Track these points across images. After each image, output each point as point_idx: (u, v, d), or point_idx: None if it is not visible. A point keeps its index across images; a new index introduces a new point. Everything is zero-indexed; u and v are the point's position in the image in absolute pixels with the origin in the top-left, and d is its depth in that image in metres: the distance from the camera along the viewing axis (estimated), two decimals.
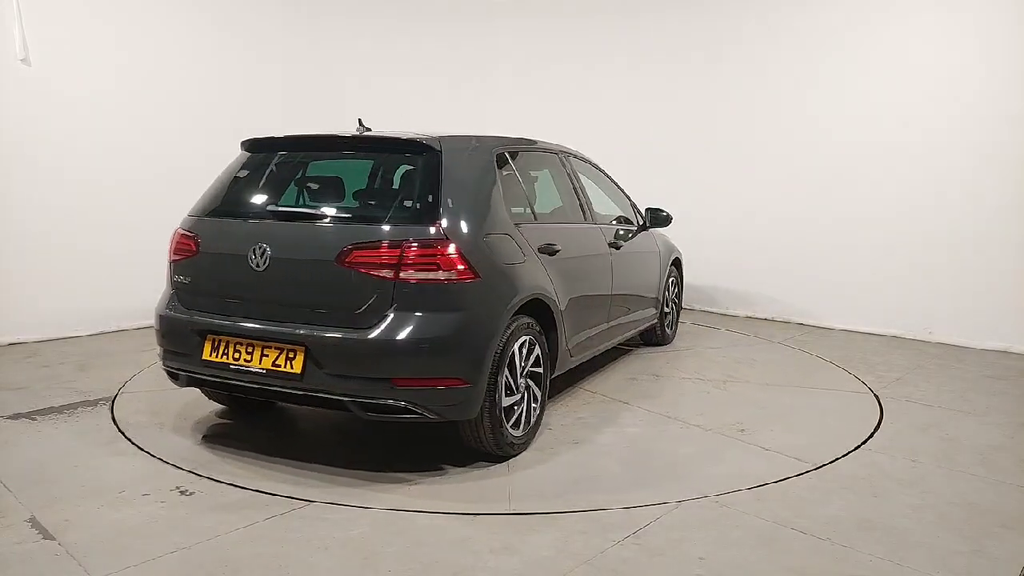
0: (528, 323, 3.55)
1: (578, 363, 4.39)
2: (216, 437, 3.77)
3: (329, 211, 3.46)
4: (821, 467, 3.48)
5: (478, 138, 3.78)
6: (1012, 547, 2.74)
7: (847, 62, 6.63)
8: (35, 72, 5.69)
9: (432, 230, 3.14)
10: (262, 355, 3.20)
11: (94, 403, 4.29)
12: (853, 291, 6.76)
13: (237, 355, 3.25)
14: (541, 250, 3.75)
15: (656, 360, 5.53)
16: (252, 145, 3.80)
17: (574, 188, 4.60)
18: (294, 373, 3.11)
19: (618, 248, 4.79)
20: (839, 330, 6.77)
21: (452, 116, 7.81)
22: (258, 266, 3.24)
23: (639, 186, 6.15)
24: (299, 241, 3.27)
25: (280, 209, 3.53)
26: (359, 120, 3.93)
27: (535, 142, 4.44)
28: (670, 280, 5.91)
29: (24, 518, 2.83)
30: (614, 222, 5.05)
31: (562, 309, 3.88)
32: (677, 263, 6.13)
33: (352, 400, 3.11)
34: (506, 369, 3.35)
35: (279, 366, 3.14)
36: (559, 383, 4.66)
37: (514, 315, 3.42)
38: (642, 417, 4.18)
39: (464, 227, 3.26)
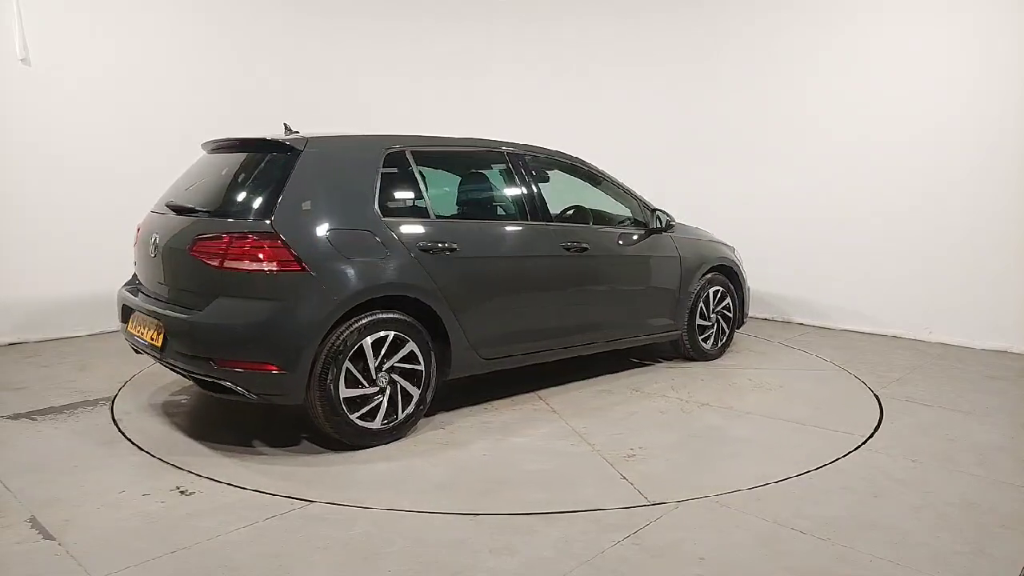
0: (392, 318, 3.62)
1: (512, 366, 4.35)
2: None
3: (202, 206, 3.76)
4: (821, 467, 3.48)
5: (368, 138, 3.97)
6: (1012, 547, 2.74)
7: (846, 62, 6.62)
8: (36, 72, 5.70)
9: (263, 224, 3.40)
10: (147, 330, 3.70)
11: (94, 403, 4.29)
12: (853, 291, 6.76)
13: (138, 328, 3.81)
14: (424, 248, 3.78)
15: (660, 374, 5.10)
16: (203, 146, 4.28)
17: (524, 188, 4.45)
18: (157, 347, 3.58)
19: (583, 251, 4.53)
20: (839, 330, 6.77)
21: (451, 116, 7.81)
22: (152, 254, 3.80)
23: (638, 187, 6.13)
24: (173, 232, 3.71)
25: (175, 204, 3.92)
26: (285, 124, 4.24)
27: (469, 141, 4.43)
28: (710, 290, 5.40)
29: (24, 518, 2.83)
30: (596, 224, 4.92)
31: (458, 308, 3.89)
32: (726, 270, 5.58)
33: (190, 375, 3.56)
34: (347, 361, 3.46)
35: (153, 340, 3.63)
36: (509, 384, 4.63)
37: (366, 309, 3.55)
38: (549, 431, 3.93)
39: (302, 223, 3.48)
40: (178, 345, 3.48)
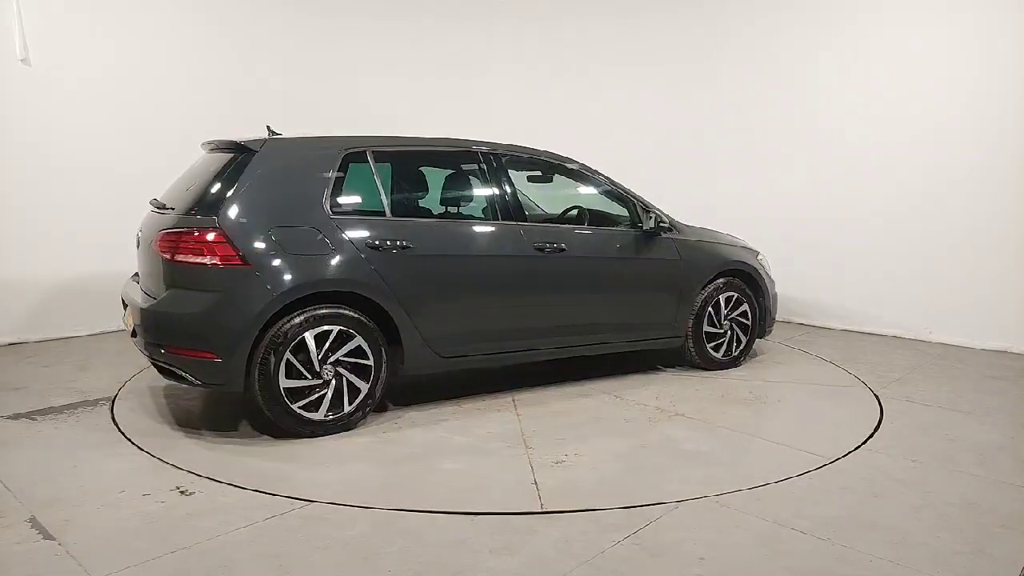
0: (338, 313, 3.72)
1: (477, 366, 4.38)
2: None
3: (173, 203, 3.93)
4: (821, 467, 3.48)
5: (327, 139, 4.07)
6: (1012, 547, 2.74)
7: (846, 63, 6.62)
8: (36, 72, 5.70)
9: (210, 220, 3.60)
10: (130, 317, 3.96)
11: (94, 403, 4.29)
12: (853, 291, 6.76)
13: (128, 316, 4.05)
14: (374, 246, 3.84)
15: (654, 381, 4.87)
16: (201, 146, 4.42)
17: (496, 188, 4.42)
18: (130, 333, 3.94)
19: (560, 251, 4.44)
20: (839, 330, 6.77)
21: (451, 117, 7.81)
22: (138, 246, 4.14)
23: (639, 187, 6.12)
24: (149, 227, 3.97)
25: (157, 201, 4.16)
26: (267, 127, 4.41)
27: (439, 141, 4.45)
28: (722, 296, 5.12)
29: (24, 518, 2.83)
30: (578, 224, 4.90)
31: (411, 306, 3.94)
32: (742, 275, 5.26)
33: (149, 359, 3.80)
34: (288, 353, 3.59)
35: (130, 326, 3.94)
36: (491, 382, 4.69)
37: (310, 304, 3.68)
38: (497, 432, 3.88)
39: (247, 219, 3.65)
40: (140, 331, 3.75)
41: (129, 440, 3.70)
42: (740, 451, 3.73)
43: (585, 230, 4.83)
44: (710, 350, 5.17)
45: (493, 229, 4.36)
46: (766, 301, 5.41)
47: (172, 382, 3.85)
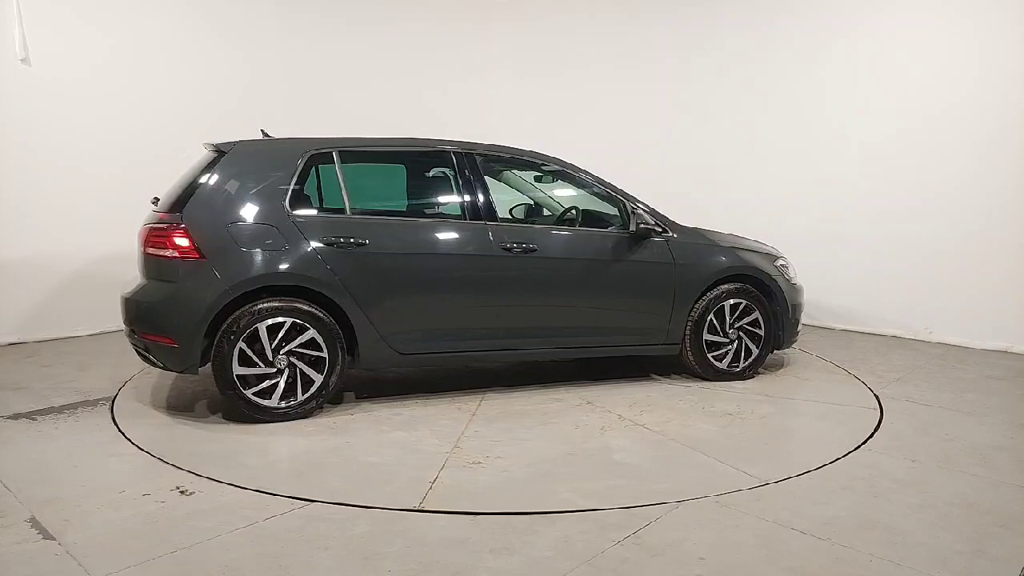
0: (291, 306, 3.89)
1: (439, 364, 4.43)
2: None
3: (161, 200, 4.22)
4: (821, 467, 3.48)
5: (294, 141, 4.25)
6: (1012, 547, 2.74)
7: (846, 63, 6.62)
8: (35, 72, 5.70)
9: (175, 217, 3.89)
10: None
11: (94, 403, 4.29)
12: (853, 291, 6.75)
13: None
14: (329, 243, 3.99)
15: (637, 389, 4.66)
16: None
17: (464, 187, 4.40)
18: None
19: (530, 252, 4.36)
20: (839, 330, 6.77)
21: (451, 117, 7.81)
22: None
23: (640, 187, 6.11)
24: (143, 223, 4.19)
25: (155, 198, 4.35)
26: (262, 130, 4.57)
27: (408, 141, 4.52)
28: (727, 302, 4.80)
29: (24, 518, 2.83)
30: (556, 225, 4.83)
31: (365, 301, 4.04)
32: (753, 282, 4.90)
33: (130, 341, 4.12)
34: (241, 342, 3.80)
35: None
36: (467, 381, 4.73)
37: (265, 296, 3.88)
38: (437, 430, 3.88)
39: (206, 216, 3.91)
40: (122, 316, 4.12)
41: (129, 440, 3.70)
42: (670, 466, 3.48)
43: (562, 231, 4.74)
44: (712, 360, 4.85)
45: (456, 228, 4.37)
46: (781, 309, 4.97)
47: (148, 365, 4.19)
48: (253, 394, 3.87)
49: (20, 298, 5.77)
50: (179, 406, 4.27)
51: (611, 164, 5.67)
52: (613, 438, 3.84)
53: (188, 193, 3.98)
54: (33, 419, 4.01)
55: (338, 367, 4.02)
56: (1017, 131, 5.80)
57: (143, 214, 4.33)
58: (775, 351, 5.17)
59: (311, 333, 3.93)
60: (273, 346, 3.86)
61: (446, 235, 4.34)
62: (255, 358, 3.85)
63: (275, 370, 3.89)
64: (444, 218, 4.50)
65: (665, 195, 6.57)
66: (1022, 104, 5.77)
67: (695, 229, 4.97)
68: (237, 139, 4.25)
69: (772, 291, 4.95)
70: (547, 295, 4.50)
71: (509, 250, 4.35)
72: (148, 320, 3.92)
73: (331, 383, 4.02)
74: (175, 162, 4.70)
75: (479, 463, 3.48)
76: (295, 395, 3.95)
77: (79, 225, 5.98)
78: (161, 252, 3.88)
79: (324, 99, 7.36)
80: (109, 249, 6.09)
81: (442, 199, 4.68)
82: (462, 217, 4.41)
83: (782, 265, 5.15)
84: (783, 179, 7.08)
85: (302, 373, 3.95)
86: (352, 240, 4.03)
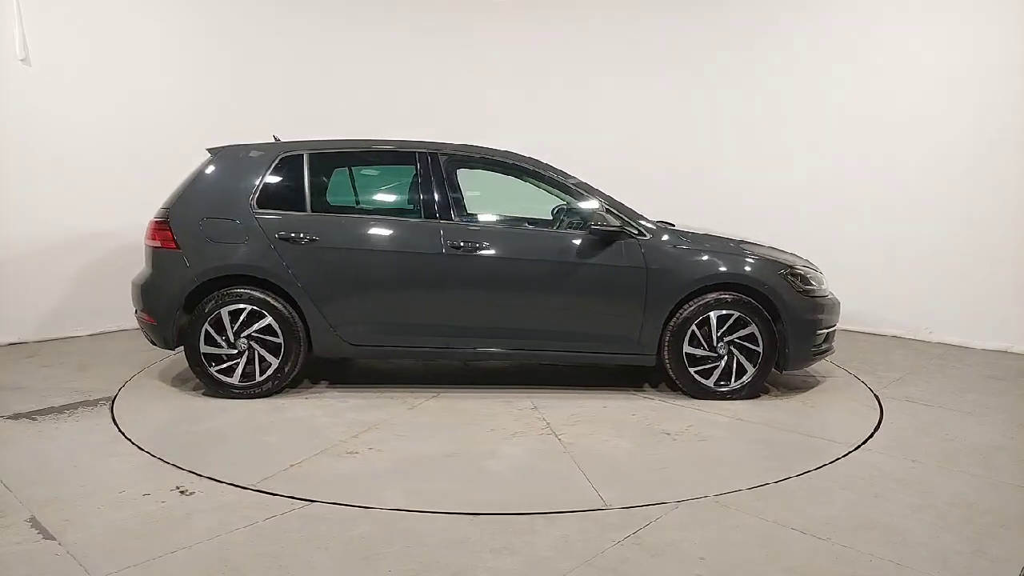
0: (249, 294, 4.28)
1: (390, 357, 4.78)
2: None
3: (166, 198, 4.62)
4: (821, 467, 3.48)
5: (268, 145, 4.60)
6: (1012, 547, 2.74)
7: (846, 64, 6.62)
8: (36, 72, 5.70)
9: (164, 212, 4.41)
10: None
11: (94, 403, 4.29)
12: (854, 291, 6.74)
13: None
14: (284, 238, 4.31)
15: (600, 402, 4.35)
16: None
17: (426, 187, 4.44)
18: None
19: (476, 249, 4.31)
20: (839, 330, 6.75)
21: (451, 117, 7.81)
22: None
23: (640, 187, 6.11)
24: None
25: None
26: (274, 136, 4.79)
27: (376, 143, 4.70)
28: (714, 314, 4.35)
29: (24, 518, 2.84)
30: (525, 224, 4.78)
31: (315, 293, 4.33)
32: (751, 292, 4.40)
33: (137, 322, 4.61)
34: (207, 324, 4.27)
35: None
36: (440, 378, 4.87)
37: (228, 284, 4.29)
38: (352, 420, 3.95)
39: (187, 212, 4.38)
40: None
41: (129, 440, 3.70)
42: (531, 478, 3.33)
43: (519, 230, 4.67)
44: (695, 375, 4.42)
45: (406, 225, 4.48)
46: (786, 326, 4.40)
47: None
48: (216, 371, 4.31)
49: (20, 298, 5.77)
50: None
51: (613, 164, 5.66)
52: (511, 446, 3.69)
53: (179, 191, 4.48)
54: (33, 419, 4.01)
55: (294, 353, 4.33)
56: (1017, 131, 5.80)
57: (143, 213, 4.48)
58: (782, 372, 4.59)
59: (268, 320, 4.29)
60: (234, 330, 4.28)
61: (395, 232, 4.45)
62: (218, 339, 4.29)
63: (236, 352, 4.31)
64: (398, 215, 4.67)
65: (664, 194, 6.59)
66: (1022, 104, 5.77)
67: (684, 231, 4.63)
68: (237, 142, 4.56)
69: (776, 305, 4.40)
70: (496, 295, 4.41)
71: (458, 248, 4.34)
72: (139, 300, 4.46)
73: (286, 367, 4.35)
74: (175, 162, 4.73)
75: (355, 453, 3.56)
76: (254, 376, 4.33)
77: (79, 225, 5.98)
78: (152, 243, 4.42)
79: (324, 99, 7.36)
80: (109, 249, 6.10)
81: (399, 197, 4.91)
82: (417, 215, 4.51)
83: (792, 275, 4.48)
84: (783, 179, 7.08)
85: (260, 356, 4.32)
86: (304, 235, 4.31)
